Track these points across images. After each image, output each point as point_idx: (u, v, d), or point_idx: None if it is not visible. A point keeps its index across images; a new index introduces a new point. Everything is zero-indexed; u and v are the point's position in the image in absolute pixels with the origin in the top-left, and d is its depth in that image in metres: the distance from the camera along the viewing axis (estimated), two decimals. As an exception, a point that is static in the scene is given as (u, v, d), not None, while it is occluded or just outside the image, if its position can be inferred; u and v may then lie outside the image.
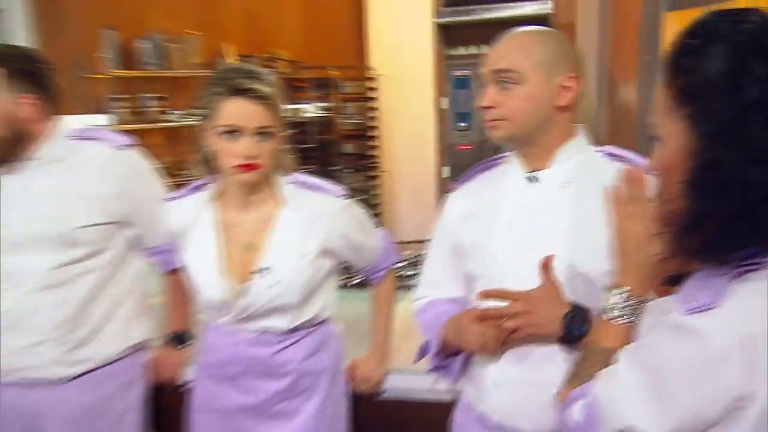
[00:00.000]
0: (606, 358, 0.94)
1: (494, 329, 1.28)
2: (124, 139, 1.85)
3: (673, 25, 5.09)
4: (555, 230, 1.37)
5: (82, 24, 4.70)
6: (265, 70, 1.64)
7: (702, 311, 0.78)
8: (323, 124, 6.02)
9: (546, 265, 1.27)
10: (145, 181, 1.87)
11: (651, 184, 0.97)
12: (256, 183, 1.60)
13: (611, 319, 0.98)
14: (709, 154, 0.77)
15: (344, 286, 2.63)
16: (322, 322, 1.77)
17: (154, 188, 1.90)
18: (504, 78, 1.32)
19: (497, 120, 1.33)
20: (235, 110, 1.50)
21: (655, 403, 0.83)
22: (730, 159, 0.75)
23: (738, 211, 0.76)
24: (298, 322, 1.69)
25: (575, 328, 1.24)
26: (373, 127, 6.19)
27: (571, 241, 1.36)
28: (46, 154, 1.76)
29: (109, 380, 1.84)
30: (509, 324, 1.27)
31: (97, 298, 1.78)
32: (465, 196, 1.58)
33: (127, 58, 5.02)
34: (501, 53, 1.35)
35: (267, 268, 1.61)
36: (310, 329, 1.74)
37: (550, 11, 5.51)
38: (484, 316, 1.30)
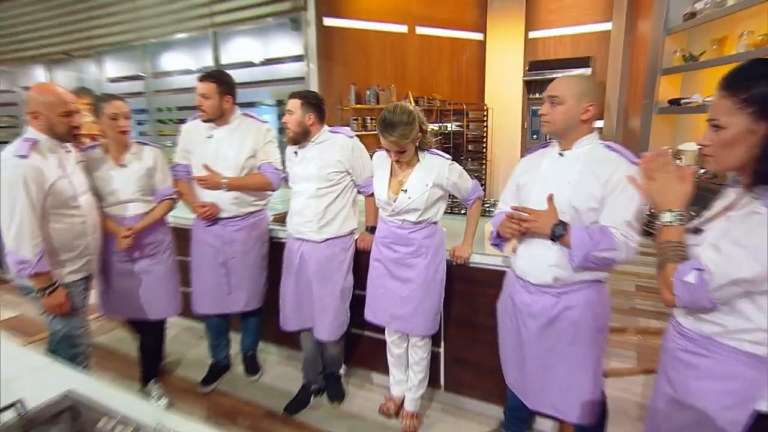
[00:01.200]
0: (677, 246, 1.13)
1: (517, 226, 1.66)
2: (351, 133, 2.34)
3: (665, 84, 5.09)
4: (565, 184, 1.64)
5: (341, 81, 5.79)
6: (402, 119, 1.95)
7: None
8: (457, 134, 6.75)
9: (550, 199, 1.61)
10: (358, 153, 2.31)
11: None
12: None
13: (669, 225, 1.15)
14: None
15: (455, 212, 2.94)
16: (435, 222, 2.17)
17: (363, 157, 2.32)
18: (553, 100, 1.64)
19: (547, 122, 1.68)
20: (385, 142, 2.02)
21: (754, 263, 1.00)
22: None
23: None
24: (420, 219, 2.10)
25: (557, 231, 1.56)
26: (484, 137, 6.96)
27: (572, 190, 1.61)
28: (317, 140, 2.31)
29: (338, 245, 2.36)
30: (524, 225, 1.64)
31: (333, 205, 2.29)
32: (527, 161, 1.88)
33: (360, 98, 5.96)
34: (554, 85, 1.66)
35: (406, 190, 2.06)
36: (427, 224, 2.14)
37: (589, 74, 6.02)
38: (511, 217, 1.68)
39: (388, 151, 2.07)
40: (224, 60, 6.38)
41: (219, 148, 2.48)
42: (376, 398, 2.59)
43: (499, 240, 1.86)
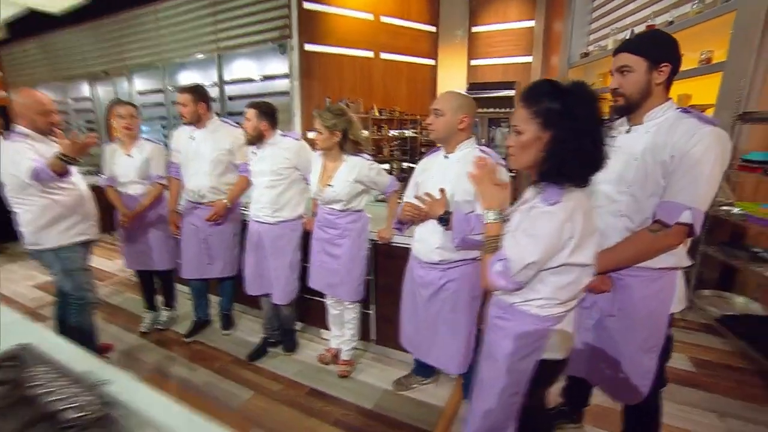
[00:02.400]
0: (496, 240, 1.08)
1: (416, 211, 1.57)
2: (298, 136, 2.25)
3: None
4: (447, 181, 1.57)
5: (318, 95, 5.56)
6: (332, 109, 1.95)
7: (554, 204, 0.99)
8: (413, 139, 6.54)
9: (442, 191, 1.54)
10: (304, 153, 2.20)
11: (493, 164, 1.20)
12: (332, 152, 1.98)
13: (490, 222, 1.11)
14: (559, 138, 0.98)
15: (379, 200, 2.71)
16: (359, 210, 2.08)
17: (309, 156, 2.19)
18: (436, 112, 1.53)
19: (432, 131, 1.59)
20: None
21: (537, 248, 1.00)
22: (569, 140, 0.97)
23: (573, 163, 0.98)
24: (344, 208, 2.03)
25: (443, 219, 1.50)
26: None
27: (452, 185, 1.55)
28: (271, 142, 2.16)
29: (288, 227, 2.23)
30: (423, 210, 1.56)
31: (284, 194, 2.20)
32: (423, 162, 1.75)
33: None
34: (437, 100, 1.55)
35: (332, 185, 1.99)
36: (351, 212, 2.06)
37: (514, 95, 5.52)
38: (409, 205, 1.60)
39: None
40: (227, 77, 6.13)
41: (198, 147, 2.41)
42: (322, 349, 2.51)
43: (399, 224, 1.77)
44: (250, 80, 6.02)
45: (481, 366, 1.25)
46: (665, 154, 1.21)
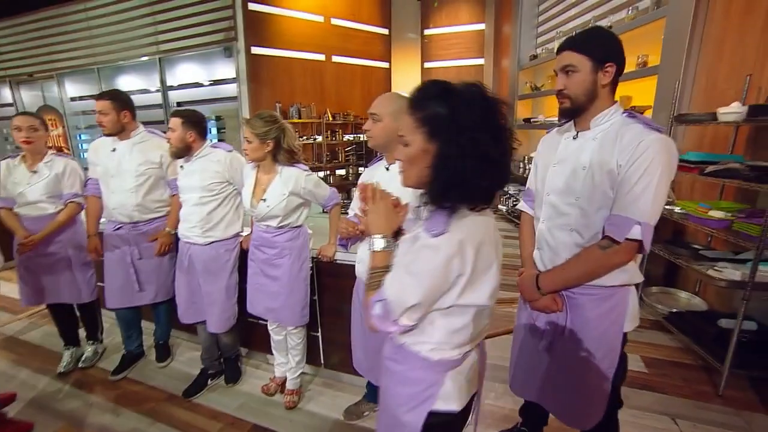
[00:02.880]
0: (382, 273, 0.87)
1: (352, 229, 1.38)
2: (230, 148, 2.03)
3: (520, 106, 5.23)
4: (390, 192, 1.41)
5: (268, 100, 5.26)
6: (262, 116, 1.74)
7: (438, 235, 0.81)
8: (368, 143, 6.34)
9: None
10: (237, 165, 1.98)
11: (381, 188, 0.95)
12: (265, 163, 1.79)
13: (379, 251, 0.90)
14: (443, 152, 0.80)
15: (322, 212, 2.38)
16: (298, 226, 1.89)
17: (242, 167, 1.97)
18: (373, 117, 1.36)
19: (370, 137, 1.44)
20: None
21: (420, 288, 0.81)
22: (454, 155, 0.78)
23: (457, 182, 0.79)
24: (281, 224, 1.83)
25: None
26: None
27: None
28: (199, 154, 1.96)
29: (222, 247, 2.02)
30: (356, 228, 1.38)
31: (216, 211, 1.98)
32: (368, 172, 1.59)
33: (284, 114, 5.38)
34: (374, 103, 1.40)
35: (265, 199, 1.79)
36: (289, 228, 1.86)
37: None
38: (346, 222, 1.41)
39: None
40: (172, 82, 5.71)
41: (121, 160, 2.12)
42: (268, 376, 2.27)
43: (343, 241, 1.58)
44: (197, 84, 5.67)
45: (378, 420, 1.06)
46: (612, 162, 1.11)
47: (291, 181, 1.80)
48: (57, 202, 2.25)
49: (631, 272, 1.20)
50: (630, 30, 3.22)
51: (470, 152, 0.77)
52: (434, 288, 0.82)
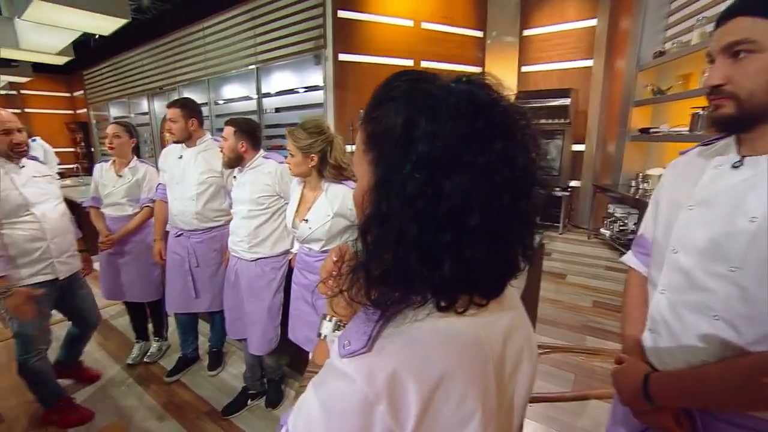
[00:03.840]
0: (313, 375, 0.52)
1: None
2: (281, 159, 1.88)
3: (636, 114, 4.12)
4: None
5: (352, 107, 5.26)
6: (306, 127, 1.57)
7: (353, 355, 0.46)
8: None
9: None
10: (287, 178, 1.84)
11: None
12: (311, 179, 1.62)
13: (323, 339, 0.62)
14: (376, 195, 0.46)
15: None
16: None
17: (290, 181, 1.85)
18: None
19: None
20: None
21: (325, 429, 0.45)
22: (391, 208, 0.44)
23: (388, 261, 0.45)
24: (324, 249, 1.63)
25: None
26: None
27: None
28: (252, 165, 1.90)
29: (268, 264, 1.92)
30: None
31: (264, 226, 1.88)
32: None
33: None
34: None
35: (307, 220, 1.60)
36: None
37: (569, 103, 5.13)
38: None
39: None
40: (265, 89, 6.07)
41: (186, 167, 2.15)
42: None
43: None
44: (290, 91, 5.93)
45: None
46: None
47: (337, 200, 1.58)
48: (135, 205, 2.38)
49: None
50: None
51: (423, 208, 0.43)
52: None
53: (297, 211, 1.67)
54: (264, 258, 1.90)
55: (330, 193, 1.60)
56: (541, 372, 2.37)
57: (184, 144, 2.18)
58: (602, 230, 4.90)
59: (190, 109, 2.13)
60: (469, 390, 0.46)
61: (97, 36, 5.62)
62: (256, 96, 6.08)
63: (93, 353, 2.64)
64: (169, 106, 2.12)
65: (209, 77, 6.65)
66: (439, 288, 0.46)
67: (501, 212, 0.44)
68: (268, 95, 6.09)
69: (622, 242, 4.50)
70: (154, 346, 2.63)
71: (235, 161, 1.88)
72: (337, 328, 0.61)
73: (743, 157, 0.76)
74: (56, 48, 5.65)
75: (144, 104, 8.35)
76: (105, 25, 4.31)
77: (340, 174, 1.60)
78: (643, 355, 0.89)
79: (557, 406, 2.09)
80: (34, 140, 4.21)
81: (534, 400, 2.14)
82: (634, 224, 4.25)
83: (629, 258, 1.03)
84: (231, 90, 6.65)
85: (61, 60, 6.60)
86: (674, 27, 4.24)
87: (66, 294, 2.00)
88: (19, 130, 1.82)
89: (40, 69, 7.13)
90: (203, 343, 2.61)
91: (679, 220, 0.83)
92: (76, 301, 2.08)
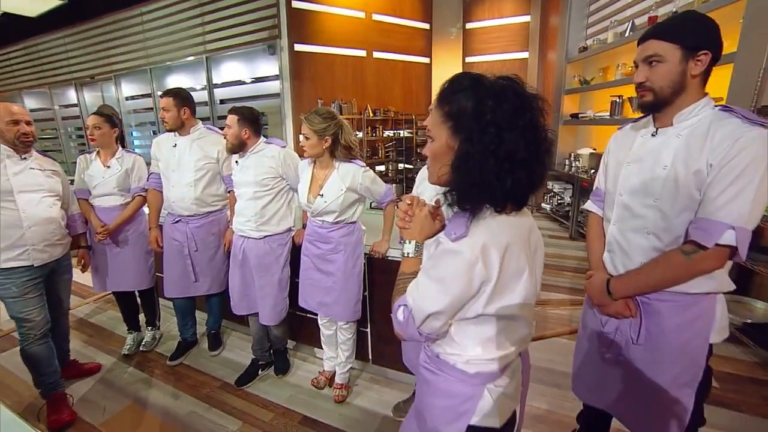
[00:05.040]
0: (409, 279, 0.86)
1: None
2: (283, 144, 2.05)
3: (567, 101, 4.89)
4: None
5: (309, 96, 5.34)
6: (320, 112, 1.75)
7: (459, 239, 0.76)
8: (408, 139, 6.31)
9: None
10: (289, 161, 2.00)
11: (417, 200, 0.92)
12: (322, 159, 1.80)
13: (408, 256, 0.90)
14: (463, 149, 0.75)
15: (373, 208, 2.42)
16: (352, 222, 1.89)
17: (295, 164, 2.02)
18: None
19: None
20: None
21: (441, 295, 0.77)
22: (475, 153, 0.73)
23: (477, 182, 0.74)
24: (337, 220, 1.84)
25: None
26: None
27: None
28: (254, 150, 2.00)
29: (275, 241, 2.06)
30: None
31: (269, 206, 2.01)
32: (423, 170, 1.57)
33: None
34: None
35: (322, 195, 1.80)
36: (344, 224, 1.87)
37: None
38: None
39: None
40: (216, 80, 5.93)
41: (181, 155, 2.22)
42: (317, 370, 2.31)
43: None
44: (240, 82, 5.85)
45: (410, 422, 1.04)
46: (701, 162, 1.02)
47: (348, 176, 1.80)
48: (126, 195, 2.40)
49: (720, 279, 1.11)
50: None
51: (494, 151, 0.73)
52: (457, 295, 0.77)
53: (310, 188, 1.86)
54: (271, 235, 2.07)
55: (341, 170, 1.82)
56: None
57: (176, 132, 2.25)
58: (543, 204, 5.56)
59: (183, 99, 2.19)
60: (521, 253, 0.80)
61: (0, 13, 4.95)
62: (205, 86, 5.91)
63: (82, 351, 2.61)
64: (162, 95, 2.18)
65: (151, 66, 6.30)
66: (494, 200, 0.77)
67: (531, 153, 0.75)
68: (217, 86, 5.95)
69: (561, 214, 5.18)
70: (148, 335, 2.67)
71: (238, 147, 2.00)
72: (416, 247, 0.89)
73: (657, 128, 1.15)
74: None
75: (71, 95, 7.63)
76: (33, 5, 3.94)
77: (350, 153, 1.83)
78: (605, 269, 1.28)
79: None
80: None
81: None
82: (570, 197, 4.92)
83: (590, 205, 1.42)
84: (177, 80, 6.36)
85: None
86: (593, 26, 4.92)
87: (49, 278, 2.02)
88: (27, 123, 1.86)
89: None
90: (199, 328, 2.69)
91: (622, 173, 1.22)
92: (56, 285, 2.09)
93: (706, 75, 1.06)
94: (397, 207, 0.99)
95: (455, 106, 0.76)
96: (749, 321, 2.35)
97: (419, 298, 0.80)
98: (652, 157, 1.12)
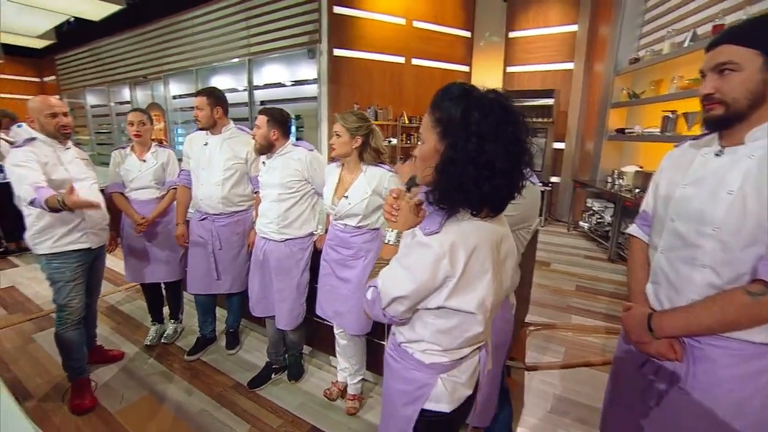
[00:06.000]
0: (385, 265, 0.95)
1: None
2: (311, 147, 2.06)
3: (613, 115, 4.55)
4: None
5: (346, 101, 5.37)
6: (354, 113, 1.77)
7: (432, 234, 0.85)
8: None
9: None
10: (316, 165, 2.01)
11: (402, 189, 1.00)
12: (350, 161, 1.79)
13: (388, 243, 0.98)
14: (447, 154, 0.82)
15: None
16: (376, 228, 1.84)
17: (321, 168, 2.03)
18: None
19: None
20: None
21: (407, 282, 0.86)
22: (458, 159, 0.80)
23: (455, 186, 0.82)
24: (360, 224, 1.80)
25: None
26: None
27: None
28: (282, 152, 2.01)
29: (296, 245, 2.03)
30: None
31: (293, 209, 2.01)
32: None
33: None
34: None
35: (347, 196, 1.77)
36: (368, 230, 1.82)
37: (552, 103, 5.57)
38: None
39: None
40: (256, 81, 6.10)
41: (212, 153, 2.26)
42: (330, 379, 2.27)
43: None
44: (280, 85, 5.99)
45: (382, 407, 1.14)
46: None
47: (375, 179, 1.77)
48: (161, 188, 2.49)
49: None
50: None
51: (474, 159, 0.79)
52: (422, 284, 0.85)
53: (336, 190, 1.84)
54: (292, 239, 2.05)
55: (368, 174, 1.79)
56: (535, 346, 2.64)
57: (208, 131, 2.29)
58: (581, 223, 5.28)
59: (216, 98, 2.24)
60: (487, 256, 0.87)
61: (71, 18, 5.44)
62: (246, 88, 6.10)
63: (108, 337, 2.71)
64: (197, 94, 2.24)
65: (197, 67, 6.60)
66: (471, 204, 0.84)
67: (511, 163, 0.81)
68: (257, 87, 6.12)
69: (600, 233, 4.89)
70: (170, 328, 2.73)
71: (266, 148, 2.01)
72: (397, 236, 0.97)
73: (723, 147, 1.00)
74: (38, 31, 5.46)
75: (125, 93, 8.16)
76: (96, 10, 4.25)
77: (378, 157, 1.80)
78: (647, 302, 1.14)
79: (553, 373, 2.37)
80: (20, 126, 4.10)
81: (532, 368, 2.41)
82: (611, 217, 4.63)
83: (634, 229, 1.28)
84: (220, 81, 6.63)
85: (41, 43, 6.39)
86: (647, 36, 4.63)
87: (91, 264, 2.13)
88: (65, 114, 1.96)
89: (7, 51, 6.85)
90: (218, 325, 2.72)
91: (676, 195, 1.08)
92: (95, 270, 2.21)
93: None
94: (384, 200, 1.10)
95: (445, 114, 0.83)
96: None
97: (388, 282, 0.90)
98: (714, 179, 0.99)
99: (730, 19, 3.28)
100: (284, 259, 2.06)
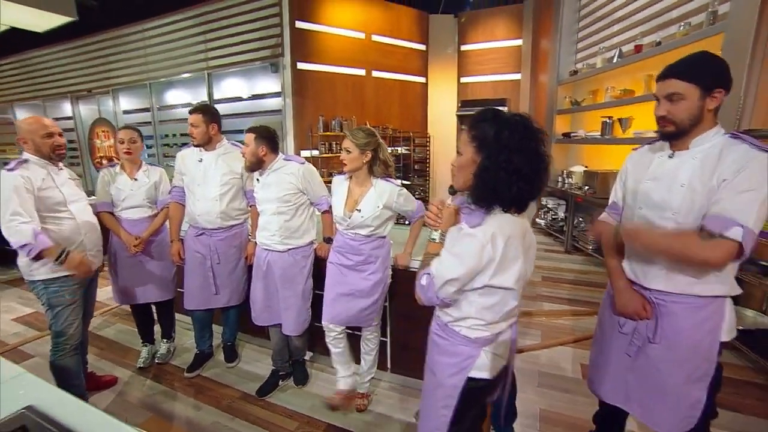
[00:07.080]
0: (433, 258, 1.12)
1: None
2: (302, 160, 2.11)
3: (559, 121, 5.23)
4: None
5: (311, 113, 5.48)
6: (363, 129, 1.88)
7: (475, 227, 1.03)
8: (406, 156, 6.53)
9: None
10: (309, 177, 2.08)
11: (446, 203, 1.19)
12: (360, 174, 1.89)
13: (433, 241, 1.17)
14: (483, 164, 1.01)
15: (401, 223, 2.53)
16: (383, 236, 1.96)
17: (314, 179, 2.11)
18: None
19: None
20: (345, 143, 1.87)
21: (458, 266, 1.04)
22: (492, 168, 1.00)
23: (491, 188, 1.01)
24: (370, 234, 1.92)
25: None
26: (427, 159, 6.85)
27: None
28: (273, 167, 2.07)
29: (299, 253, 2.14)
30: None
31: (293, 220, 2.08)
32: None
33: (327, 127, 5.62)
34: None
35: (360, 210, 1.88)
36: (376, 238, 1.94)
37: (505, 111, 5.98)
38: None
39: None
40: (216, 96, 6.03)
41: (207, 169, 2.30)
42: (335, 380, 2.33)
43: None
44: (239, 99, 5.96)
45: (425, 381, 1.30)
46: (714, 180, 1.17)
47: (385, 194, 1.89)
48: (153, 206, 2.47)
49: (729, 284, 1.26)
50: (682, 46, 3.25)
51: (505, 167, 0.98)
52: (470, 267, 1.03)
53: (346, 203, 1.95)
54: (295, 248, 2.15)
55: (378, 188, 1.90)
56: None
57: (202, 148, 2.33)
58: (537, 220, 5.77)
59: (211, 115, 2.29)
60: (519, 245, 1.06)
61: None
62: (205, 102, 6.00)
63: (95, 364, 2.61)
64: (191, 112, 2.28)
65: (151, 81, 6.38)
66: (503, 203, 1.03)
67: (533, 170, 1.00)
68: (218, 102, 6.05)
69: (555, 228, 5.39)
70: (163, 347, 2.69)
71: (256, 164, 2.08)
72: (441, 235, 1.17)
73: (674, 152, 1.31)
74: (-30, 45, 5.03)
75: (66, 108, 7.61)
76: (42, 22, 4.00)
77: (386, 170, 1.94)
78: (623, 274, 1.43)
79: (535, 354, 2.66)
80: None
81: (518, 351, 2.68)
82: (564, 213, 5.14)
83: (605, 216, 1.57)
84: (177, 95, 6.45)
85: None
86: (582, 51, 5.25)
87: (87, 284, 2.11)
88: (59, 134, 1.95)
89: None
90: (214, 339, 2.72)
91: (640, 189, 1.37)
92: (90, 292, 2.18)
93: (718, 107, 1.22)
94: (427, 209, 1.29)
95: (480, 132, 1.03)
96: (740, 328, 2.53)
97: (441, 268, 1.07)
98: (669, 176, 1.28)
99: (647, 40, 3.86)
100: (288, 267, 2.15)
